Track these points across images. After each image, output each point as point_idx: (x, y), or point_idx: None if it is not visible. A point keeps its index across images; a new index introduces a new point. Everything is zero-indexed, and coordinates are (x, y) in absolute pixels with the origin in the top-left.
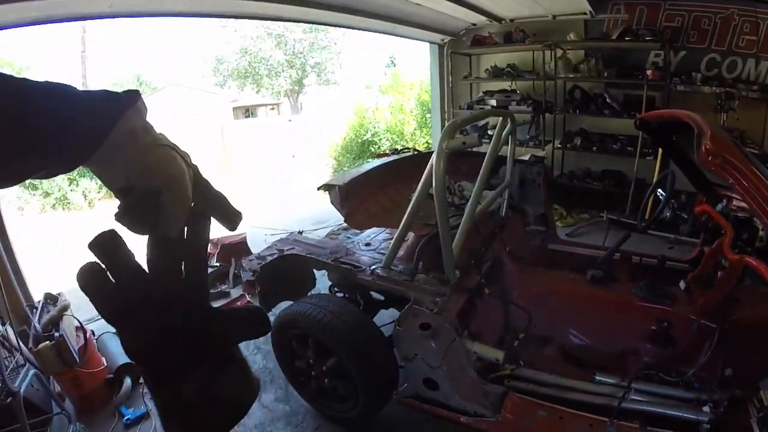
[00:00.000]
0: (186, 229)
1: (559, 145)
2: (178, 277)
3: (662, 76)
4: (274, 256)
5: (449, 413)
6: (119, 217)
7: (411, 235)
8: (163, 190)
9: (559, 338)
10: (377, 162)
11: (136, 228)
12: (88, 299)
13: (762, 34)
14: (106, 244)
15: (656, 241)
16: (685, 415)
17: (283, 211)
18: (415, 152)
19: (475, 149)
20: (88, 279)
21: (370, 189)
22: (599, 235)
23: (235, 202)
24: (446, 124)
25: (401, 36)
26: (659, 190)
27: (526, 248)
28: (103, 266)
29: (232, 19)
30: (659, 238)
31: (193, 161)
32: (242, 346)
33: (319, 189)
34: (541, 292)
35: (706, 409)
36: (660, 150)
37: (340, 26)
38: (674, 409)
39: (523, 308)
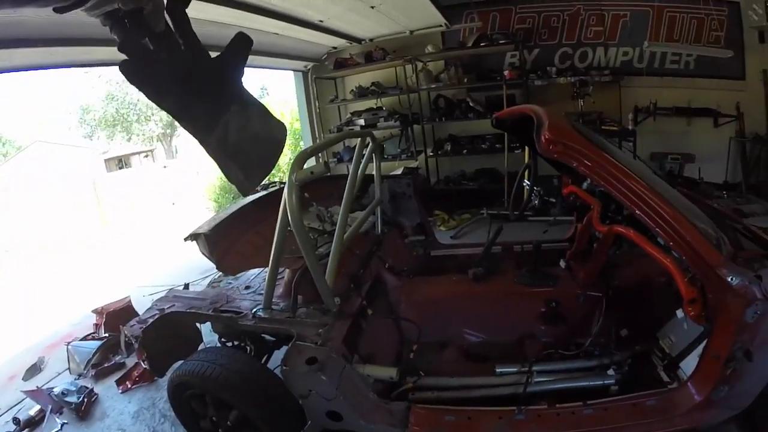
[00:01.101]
0: None
1: (431, 153)
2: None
3: (519, 74)
4: (155, 317)
5: None
6: None
7: (287, 271)
8: None
9: (456, 340)
10: (243, 201)
11: None
12: None
13: (607, 25)
14: None
15: (536, 227)
16: (591, 383)
17: (170, 263)
18: (282, 185)
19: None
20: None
21: (240, 230)
22: (483, 232)
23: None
24: (297, 156)
25: (263, 67)
26: (525, 181)
27: (407, 260)
28: None
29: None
30: (538, 222)
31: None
32: (147, 415)
33: (185, 240)
34: (427, 300)
35: (610, 372)
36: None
37: None
38: (580, 380)
39: (410, 320)
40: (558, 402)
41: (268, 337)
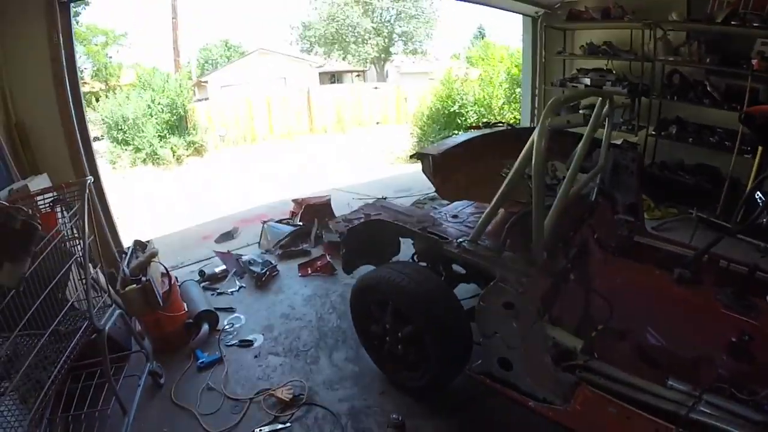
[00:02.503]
0: None
1: (653, 133)
2: None
3: None
4: (361, 220)
5: (519, 396)
6: None
7: (500, 211)
8: None
9: (636, 335)
10: (470, 134)
11: None
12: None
13: None
14: None
15: (746, 247)
16: None
17: (365, 176)
18: (508, 126)
19: (572, 129)
20: None
21: (463, 161)
22: (686, 233)
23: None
24: (546, 102)
25: (494, 6)
26: (758, 193)
27: (613, 237)
28: None
29: None
30: (750, 244)
31: None
32: (318, 302)
33: (412, 157)
34: (624, 285)
35: None
36: (760, 148)
37: None
38: (740, 428)
39: (606, 299)
40: None
41: (457, 268)
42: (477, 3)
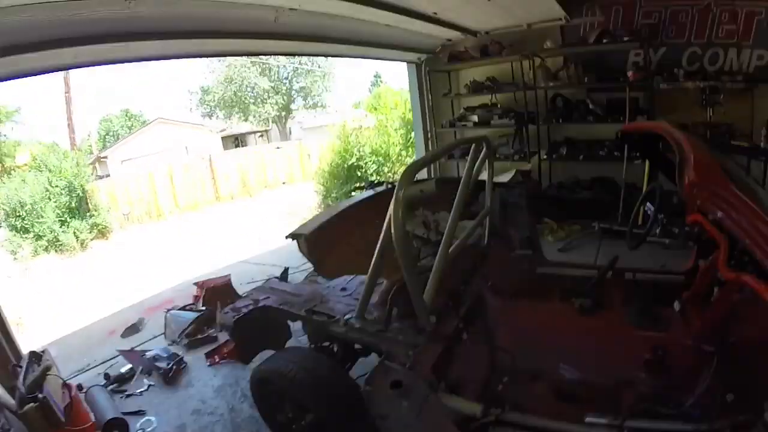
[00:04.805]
0: None
1: (545, 156)
2: None
3: (644, 76)
4: (250, 307)
5: None
6: None
7: (385, 281)
8: None
9: (549, 373)
10: (349, 201)
11: None
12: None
13: (741, 22)
14: None
15: (650, 248)
16: None
17: (271, 243)
18: (389, 186)
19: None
20: None
21: (342, 232)
22: (592, 247)
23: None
24: (440, 143)
25: (376, 58)
26: (647, 203)
27: (511, 277)
28: None
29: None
30: (653, 243)
31: None
32: (229, 392)
33: (287, 238)
34: (528, 326)
35: None
36: (647, 161)
37: (311, 55)
38: None
39: (506, 350)
40: None
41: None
42: (361, 57)
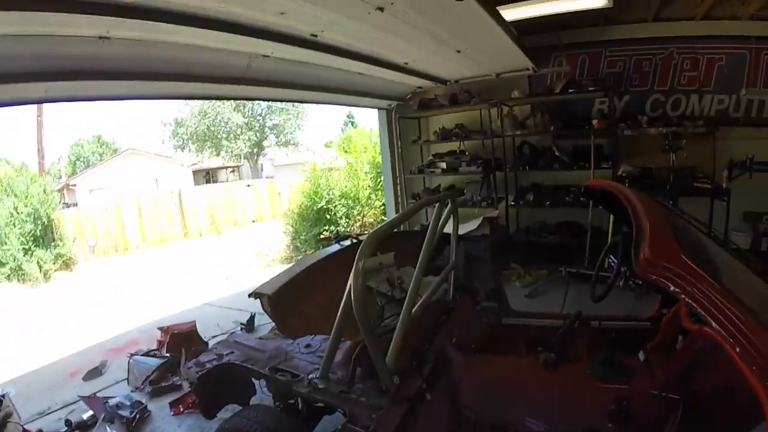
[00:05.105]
0: None
1: (513, 203)
2: None
3: (608, 123)
4: (213, 363)
5: None
6: None
7: (348, 342)
8: None
9: (515, 427)
10: (314, 257)
11: None
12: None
13: (702, 69)
14: None
15: (616, 292)
16: None
17: (238, 284)
18: (355, 240)
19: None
20: None
21: (306, 290)
22: (559, 292)
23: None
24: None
25: (348, 105)
26: (611, 256)
27: (477, 330)
28: None
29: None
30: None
31: None
32: None
33: (250, 297)
34: (493, 382)
35: None
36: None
37: (283, 101)
38: None
39: (469, 409)
40: None
41: None
42: (333, 104)
